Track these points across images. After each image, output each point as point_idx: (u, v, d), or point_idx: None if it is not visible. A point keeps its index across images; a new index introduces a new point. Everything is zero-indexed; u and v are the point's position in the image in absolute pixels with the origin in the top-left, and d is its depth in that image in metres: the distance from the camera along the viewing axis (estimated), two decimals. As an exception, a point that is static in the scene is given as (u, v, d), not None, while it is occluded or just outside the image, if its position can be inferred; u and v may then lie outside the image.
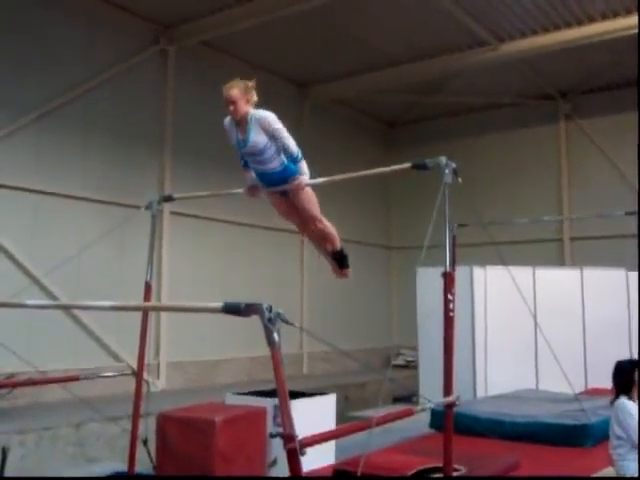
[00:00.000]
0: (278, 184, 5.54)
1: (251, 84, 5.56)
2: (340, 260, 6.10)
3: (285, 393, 3.02)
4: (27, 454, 8.45)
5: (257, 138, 5.35)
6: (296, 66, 15.71)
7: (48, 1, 11.58)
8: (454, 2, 12.40)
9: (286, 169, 5.47)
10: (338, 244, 5.98)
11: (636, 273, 11.09)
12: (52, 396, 10.27)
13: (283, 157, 5.46)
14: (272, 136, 5.36)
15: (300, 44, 14.46)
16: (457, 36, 13.96)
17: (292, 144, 5.42)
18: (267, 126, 5.38)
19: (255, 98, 5.54)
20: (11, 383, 9.03)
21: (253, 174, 5.64)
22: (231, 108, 5.40)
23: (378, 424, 3.82)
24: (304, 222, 5.80)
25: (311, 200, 5.64)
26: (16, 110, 11.01)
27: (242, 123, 5.43)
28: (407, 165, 5.18)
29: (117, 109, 12.60)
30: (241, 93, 5.44)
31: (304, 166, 5.51)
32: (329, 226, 5.83)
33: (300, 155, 5.49)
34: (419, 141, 18.57)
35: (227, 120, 5.56)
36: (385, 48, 14.62)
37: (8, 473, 8.12)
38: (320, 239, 5.95)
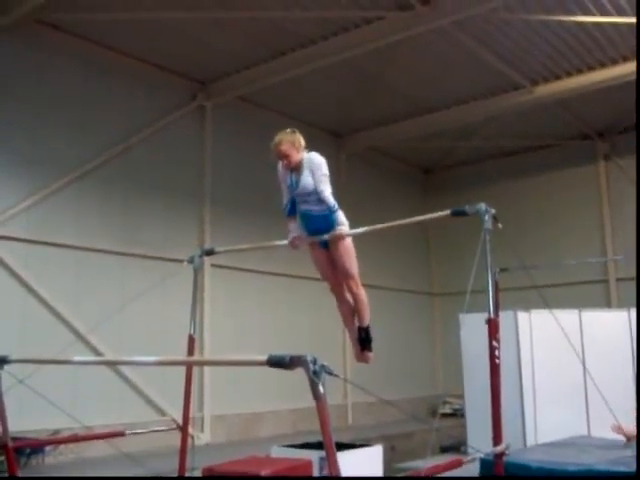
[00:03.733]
0: (320, 231, 5.57)
1: (295, 132, 5.75)
2: (364, 340, 5.98)
3: (332, 446, 2.97)
4: (73, 511, 8.45)
5: (307, 180, 5.49)
6: (331, 116, 15.88)
7: (88, 61, 11.93)
8: (486, 47, 12.47)
9: (330, 216, 5.50)
10: (367, 319, 5.91)
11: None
12: (97, 451, 10.28)
13: None
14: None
15: (334, 94, 14.65)
16: (491, 81, 14.02)
17: (327, 194, 5.48)
18: (314, 170, 5.50)
19: (303, 142, 5.69)
20: (57, 440, 9.09)
21: (296, 224, 5.67)
22: (285, 162, 5.59)
23: (427, 476, 3.74)
24: (339, 280, 5.77)
25: (350, 254, 5.61)
26: (58, 169, 11.27)
27: (297, 168, 5.59)
28: (446, 212, 5.17)
29: (156, 165, 12.83)
30: (289, 145, 5.61)
31: (341, 216, 5.52)
32: (363, 293, 5.79)
33: (335, 206, 5.52)
34: (457, 186, 18.54)
35: (280, 165, 5.71)
36: (419, 95, 14.73)
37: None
38: (349, 309, 5.93)
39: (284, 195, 5.73)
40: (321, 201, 5.46)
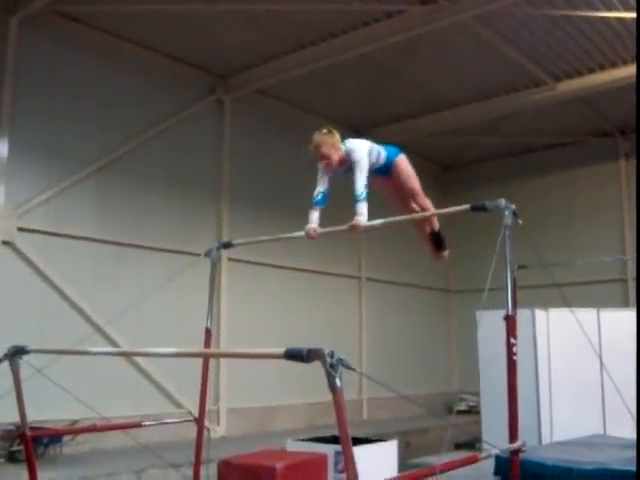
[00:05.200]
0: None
1: (332, 132, 5.79)
2: (438, 242, 6.38)
3: (348, 439, 2.97)
4: (90, 500, 8.51)
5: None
6: (350, 111, 15.83)
7: (106, 54, 11.97)
8: (508, 42, 12.38)
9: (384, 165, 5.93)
10: (437, 224, 6.31)
11: None
12: (114, 442, 10.34)
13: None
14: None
15: (353, 89, 14.61)
16: (513, 76, 13.93)
17: (359, 180, 5.62)
18: (352, 156, 5.68)
19: (338, 137, 5.77)
20: (74, 430, 9.15)
21: (318, 216, 5.83)
22: (325, 163, 5.74)
23: (442, 471, 3.73)
24: (405, 199, 6.14)
25: (411, 176, 6.07)
26: (78, 162, 11.33)
27: (342, 164, 5.80)
28: (466, 207, 5.14)
29: (175, 159, 12.86)
30: (329, 147, 5.69)
31: (363, 208, 5.54)
32: (429, 203, 6.19)
33: (363, 196, 5.56)
34: (476, 183, 18.45)
35: (322, 165, 5.86)
36: (439, 90, 14.66)
37: (72, 520, 8.20)
38: (420, 221, 6.24)
39: (318, 184, 5.91)
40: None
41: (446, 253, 6.52)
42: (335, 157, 5.68)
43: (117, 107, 12.08)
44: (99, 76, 11.88)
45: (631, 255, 16.12)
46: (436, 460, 6.83)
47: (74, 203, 11.30)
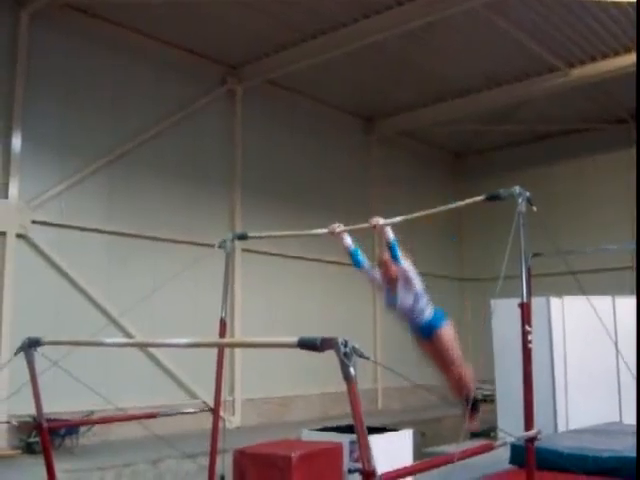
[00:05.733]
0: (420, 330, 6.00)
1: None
2: (473, 405, 6.03)
3: (363, 428, 2.97)
4: (107, 491, 8.56)
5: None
6: (362, 100, 15.80)
7: (118, 46, 11.97)
8: (520, 29, 12.28)
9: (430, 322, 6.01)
10: (473, 390, 6.08)
11: None
12: (129, 433, 10.40)
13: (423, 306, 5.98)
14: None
15: (365, 78, 14.54)
16: (525, 63, 13.82)
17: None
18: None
19: None
20: (90, 421, 9.20)
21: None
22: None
23: (459, 459, 3.72)
24: (445, 364, 6.05)
25: (454, 348, 5.98)
26: (90, 154, 11.36)
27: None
28: (480, 198, 5.11)
29: (187, 150, 12.86)
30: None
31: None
32: (468, 373, 6.02)
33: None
34: (488, 171, 18.36)
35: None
36: (451, 78, 14.58)
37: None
38: (457, 382, 6.08)
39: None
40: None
41: (477, 416, 6.27)
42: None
43: (129, 99, 12.09)
44: (110, 69, 11.89)
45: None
46: (452, 449, 6.82)
47: (87, 195, 11.33)
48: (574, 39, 12.78)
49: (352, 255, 6.08)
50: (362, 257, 6.09)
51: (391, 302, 5.88)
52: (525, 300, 4.78)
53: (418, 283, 5.84)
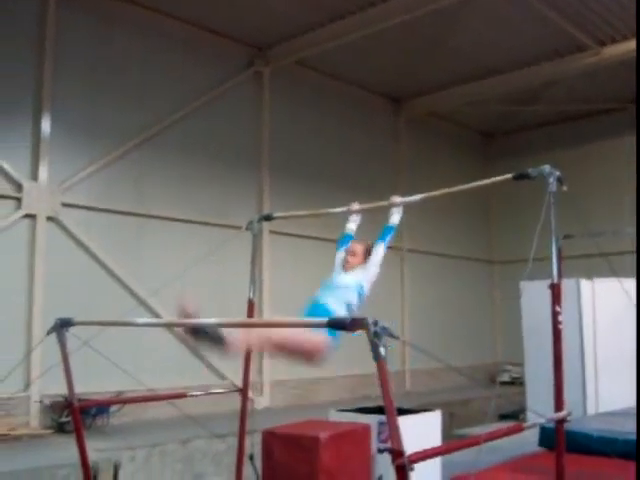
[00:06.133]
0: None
1: None
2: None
3: (393, 408, 2.96)
4: (137, 470, 8.67)
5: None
6: (390, 81, 15.69)
7: (145, 29, 11.99)
8: (552, 7, 12.09)
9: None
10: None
11: None
12: (158, 413, 10.50)
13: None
14: None
15: (393, 58, 14.44)
16: (556, 42, 13.62)
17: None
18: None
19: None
20: (121, 400, 9.30)
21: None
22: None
23: (487, 440, 3.69)
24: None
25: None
26: (118, 137, 11.42)
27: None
28: (508, 176, 5.02)
29: (214, 132, 12.88)
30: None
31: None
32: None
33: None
34: (518, 152, 18.17)
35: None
36: (481, 58, 14.42)
37: (120, 488, 8.36)
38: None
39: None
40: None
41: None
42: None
43: (156, 82, 12.12)
44: (138, 51, 11.93)
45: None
46: (480, 430, 6.80)
47: (116, 178, 11.41)
48: (605, 17, 12.56)
49: (344, 237, 5.95)
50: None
51: (334, 281, 5.62)
52: (556, 281, 4.71)
53: (368, 280, 5.49)
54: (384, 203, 5.55)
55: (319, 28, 12.76)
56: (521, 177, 4.94)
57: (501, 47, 13.95)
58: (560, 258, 5.47)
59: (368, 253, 5.55)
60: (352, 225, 6.02)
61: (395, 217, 5.57)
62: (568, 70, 14.47)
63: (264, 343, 4.84)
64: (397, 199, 5.53)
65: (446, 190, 5.68)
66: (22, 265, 10.26)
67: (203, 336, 4.31)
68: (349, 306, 5.27)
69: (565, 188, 4.85)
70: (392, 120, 16.69)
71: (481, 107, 16.98)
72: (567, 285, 9.78)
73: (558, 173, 4.81)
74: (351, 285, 5.37)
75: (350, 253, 5.59)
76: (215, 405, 10.87)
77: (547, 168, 4.78)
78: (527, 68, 14.72)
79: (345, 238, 5.91)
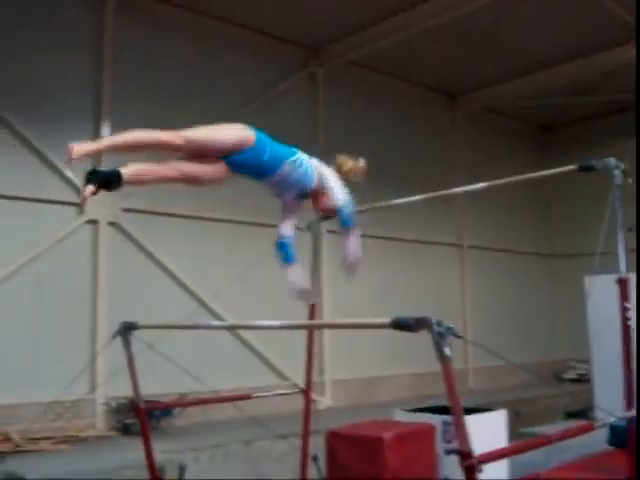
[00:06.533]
0: None
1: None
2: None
3: (459, 407, 2.92)
4: (202, 470, 8.74)
5: None
6: (444, 76, 15.54)
7: (199, 35, 12.10)
8: (609, -4, 11.82)
9: None
10: None
11: None
12: (222, 414, 10.58)
13: None
14: None
15: (447, 54, 14.29)
16: (614, 31, 13.27)
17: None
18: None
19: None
20: (186, 402, 9.41)
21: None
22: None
23: (558, 440, 3.61)
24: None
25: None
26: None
27: None
28: (573, 167, 4.93)
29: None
30: None
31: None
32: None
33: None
34: (577, 144, 17.79)
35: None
36: (537, 50, 14.16)
37: (186, 489, 8.45)
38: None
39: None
40: None
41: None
42: None
43: (212, 87, 12.22)
44: (192, 56, 12.06)
45: None
46: (548, 429, 6.69)
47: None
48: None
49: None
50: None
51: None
52: (624, 275, 4.59)
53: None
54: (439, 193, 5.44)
55: (372, 27, 12.69)
56: (585, 169, 4.85)
57: (557, 38, 13.68)
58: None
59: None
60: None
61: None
62: (627, 59, 14.07)
63: (181, 145, 4.54)
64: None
65: (508, 179, 5.57)
66: (85, 270, 10.48)
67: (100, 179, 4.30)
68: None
69: (630, 181, 4.73)
70: (448, 116, 16.54)
71: (538, 100, 16.68)
72: (633, 280, 9.53)
73: (623, 166, 4.69)
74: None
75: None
76: (276, 406, 10.91)
77: (612, 160, 4.68)
78: (584, 58, 14.40)
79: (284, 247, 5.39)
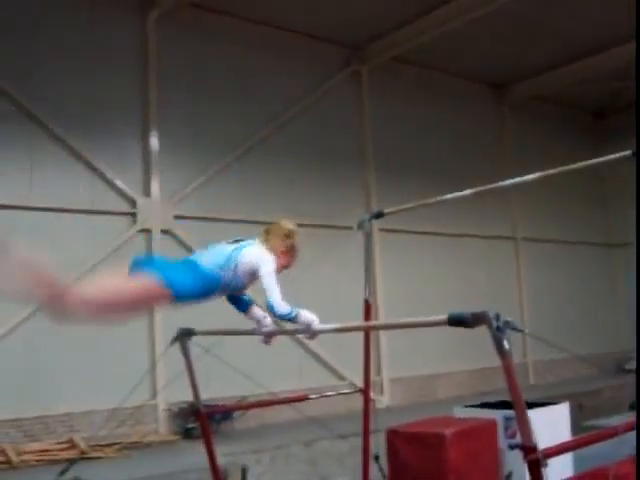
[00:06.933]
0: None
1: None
2: None
3: (522, 402, 2.87)
4: (264, 472, 8.80)
5: None
6: (491, 67, 15.35)
7: (241, 39, 12.17)
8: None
9: None
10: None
11: None
12: (280, 416, 10.62)
13: None
14: None
15: (493, 44, 14.10)
16: (664, 12, 12.96)
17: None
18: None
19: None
20: (245, 406, 9.47)
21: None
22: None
23: (625, 432, 3.53)
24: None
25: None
26: (223, 148, 11.69)
27: None
28: (627, 153, 4.80)
29: (317, 134, 12.94)
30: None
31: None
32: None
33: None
34: (630, 130, 17.34)
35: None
36: (583, 35, 13.90)
37: (249, 491, 8.50)
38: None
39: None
40: None
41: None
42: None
43: (257, 89, 12.29)
44: (236, 61, 12.15)
45: None
46: (612, 422, 6.54)
47: (224, 187, 11.64)
48: None
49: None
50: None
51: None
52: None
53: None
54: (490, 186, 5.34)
55: (413, 22, 12.61)
56: (640, 154, 4.72)
57: (603, 22, 13.38)
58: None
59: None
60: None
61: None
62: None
63: (82, 306, 3.80)
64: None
65: (560, 169, 5.42)
66: (142, 278, 10.61)
67: None
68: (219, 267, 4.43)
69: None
70: (495, 107, 16.34)
71: (588, 86, 16.36)
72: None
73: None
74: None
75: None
76: (334, 406, 10.92)
77: (666, 144, 4.55)
78: (633, 42, 14.07)
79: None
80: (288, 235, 4.60)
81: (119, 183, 10.57)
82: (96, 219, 10.41)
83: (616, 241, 18.48)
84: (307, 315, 4.24)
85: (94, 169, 10.44)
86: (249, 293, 4.76)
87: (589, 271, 17.66)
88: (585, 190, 17.79)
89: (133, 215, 10.67)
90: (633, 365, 16.31)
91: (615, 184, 18.25)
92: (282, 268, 4.56)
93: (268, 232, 4.71)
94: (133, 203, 10.69)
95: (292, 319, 4.24)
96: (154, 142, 10.92)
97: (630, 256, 16.27)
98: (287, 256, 4.66)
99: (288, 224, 4.75)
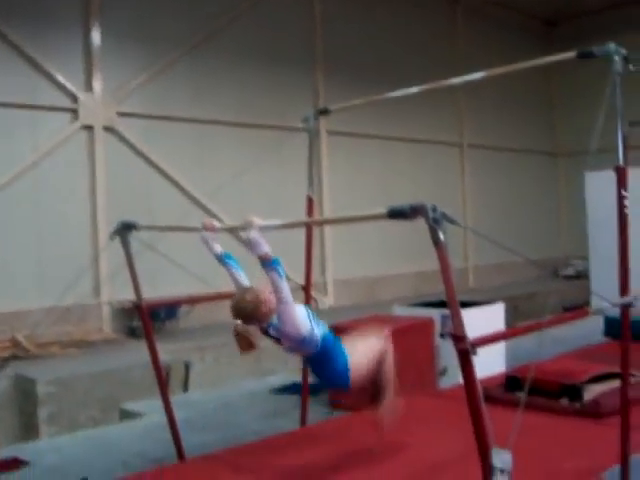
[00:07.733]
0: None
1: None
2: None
3: (454, 294, 2.94)
4: (207, 369, 8.96)
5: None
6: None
7: None
8: None
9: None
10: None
11: None
12: (226, 315, 10.71)
13: None
14: None
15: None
16: None
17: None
18: None
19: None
20: (187, 300, 9.50)
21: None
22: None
23: (551, 325, 3.65)
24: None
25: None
26: (170, 43, 11.35)
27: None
28: (571, 54, 4.78)
29: (265, 32, 12.64)
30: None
31: None
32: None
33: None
34: (582, 39, 17.21)
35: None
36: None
37: (191, 386, 8.67)
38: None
39: None
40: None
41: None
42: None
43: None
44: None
45: None
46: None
47: (170, 84, 11.38)
48: None
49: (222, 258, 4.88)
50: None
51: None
52: (621, 164, 4.53)
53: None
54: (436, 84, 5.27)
55: None
56: (584, 56, 4.72)
57: None
58: (626, 144, 5.24)
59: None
60: (217, 247, 4.92)
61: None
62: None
63: None
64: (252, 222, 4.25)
65: (506, 67, 5.28)
66: (84, 175, 10.46)
67: None
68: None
69: (632, 67, 4.60)
70: (449, 10, 16.12)
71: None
72: (634, 174, 9.47)
73: (624, 52, 4.56)
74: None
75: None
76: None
77: (612, 46, 4.54)
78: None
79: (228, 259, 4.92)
80: (257, 304, 4.28)
81: (60, 77, 10.22)
82: (35, 115, 10.08)
83: (561, 150, 18.75)
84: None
85: (33, 61, 10.03)
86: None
87: (534, 179, 17.93)
88: (533, 99, 17.87)
89: (74, 111, 10.38)
90: (569, 271, 16.84)
91: (562, 93, 18.38)
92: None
93: (250, 314, 4.28)
94: (74, 98, 10.38)
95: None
96: (96, 35, 10.53)
97: (574, 165, 16.54)
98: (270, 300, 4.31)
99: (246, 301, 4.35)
